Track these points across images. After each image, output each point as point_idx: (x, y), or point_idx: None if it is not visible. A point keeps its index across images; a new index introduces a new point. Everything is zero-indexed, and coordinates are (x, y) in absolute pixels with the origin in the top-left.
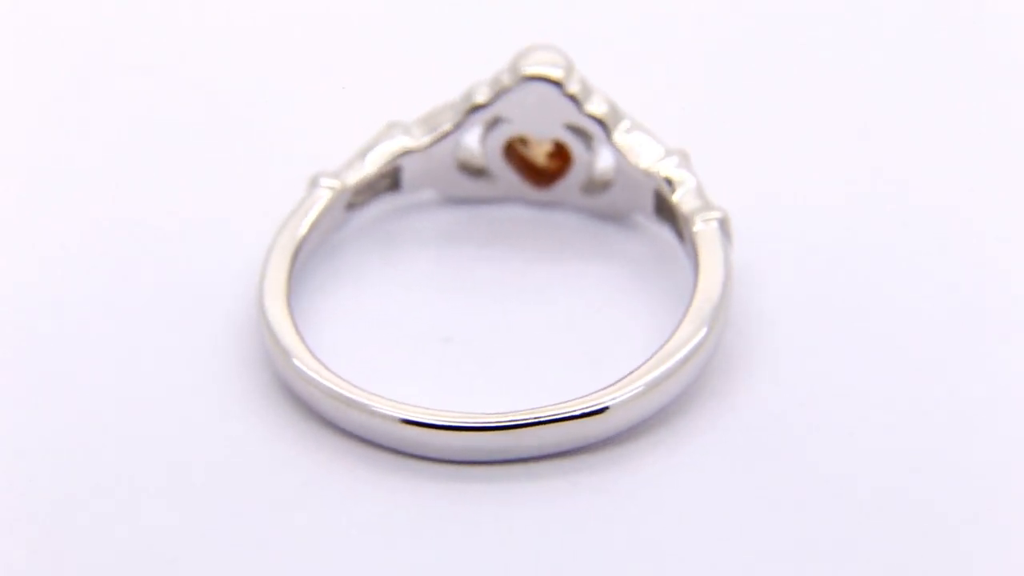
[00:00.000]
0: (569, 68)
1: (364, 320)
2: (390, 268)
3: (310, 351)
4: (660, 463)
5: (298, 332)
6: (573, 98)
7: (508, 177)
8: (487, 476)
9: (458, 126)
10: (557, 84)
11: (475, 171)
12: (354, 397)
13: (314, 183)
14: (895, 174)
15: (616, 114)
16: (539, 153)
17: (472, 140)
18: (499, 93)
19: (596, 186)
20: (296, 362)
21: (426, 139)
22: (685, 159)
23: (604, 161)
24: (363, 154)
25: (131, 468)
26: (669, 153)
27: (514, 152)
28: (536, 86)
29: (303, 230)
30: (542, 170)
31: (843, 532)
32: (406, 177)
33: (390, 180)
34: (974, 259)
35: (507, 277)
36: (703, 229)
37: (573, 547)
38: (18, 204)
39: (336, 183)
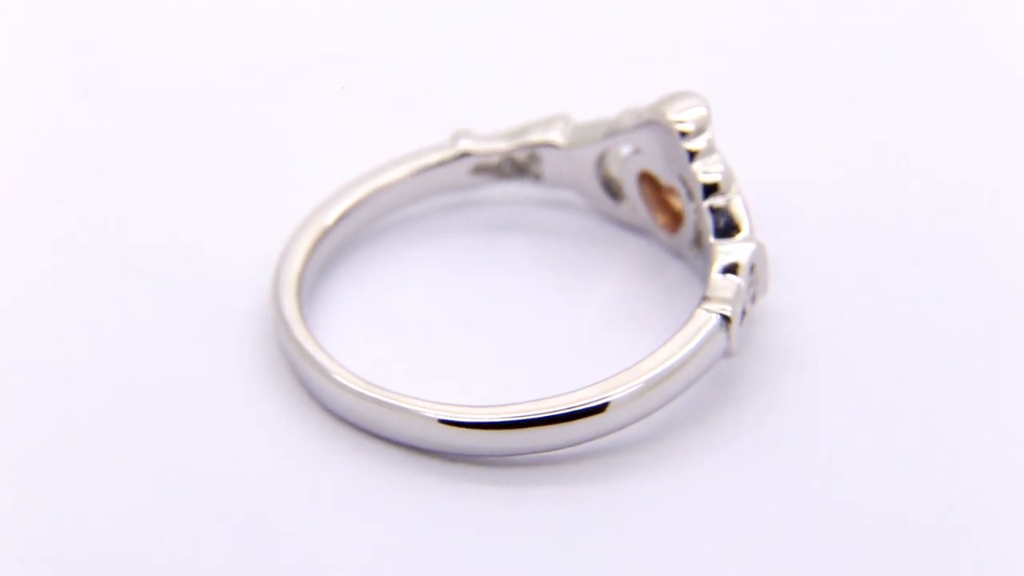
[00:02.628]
0: (701, 124)
1: (376, 306)
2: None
3: (309, 330)
4: (668, 471)
5: (303, 319)
6: (691, 153)
7: (641, 208)
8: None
9: (600, 140)
10: (682, 135)
11: (613, 190)
12: (350, 384)
13: (455, 137)
14: (912, 169)
15: (726, 182)
16: (668, 195)
17: (614, 159)
18: (638, 125)
19: (701, 244)
20: (290, 344)
21: (571, 140)
22: (762, 253)
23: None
24: (514, 132)
25: (150, 468)
26: (748, 240)
27: (646, 186)
28: (662, 130)
29: (329, 220)
30: (665, 212)
31: (850, 539)
32: (546, 170)
33: (529, 166)
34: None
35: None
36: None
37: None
38: (39, 211)
39: (469, 145)
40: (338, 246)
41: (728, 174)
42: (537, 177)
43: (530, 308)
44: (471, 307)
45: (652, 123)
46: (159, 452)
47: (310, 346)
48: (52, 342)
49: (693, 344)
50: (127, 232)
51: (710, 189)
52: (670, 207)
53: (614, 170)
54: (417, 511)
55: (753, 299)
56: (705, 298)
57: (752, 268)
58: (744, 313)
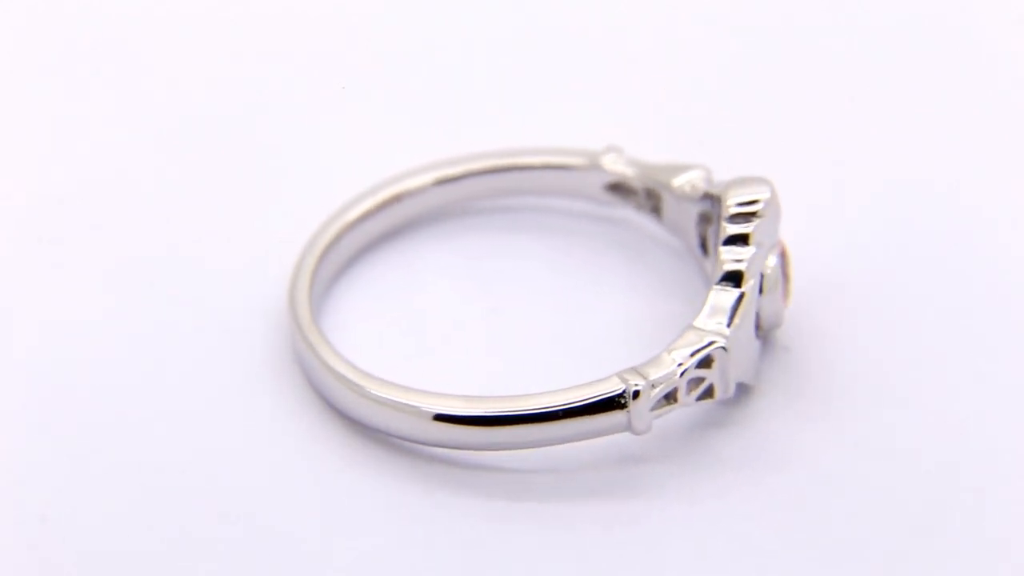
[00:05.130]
0: (760, 210)
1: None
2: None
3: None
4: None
5: (312, 315)
6: (729, 237)
7: None
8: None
9: (698, 200)
10: (728, 217)
11: (707, 249)
12: (349, 376)
13: (605, 150)
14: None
15: (772, 278)
16: None
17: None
18: (710, 195)
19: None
20: (300, 340)
21: (685, 192)
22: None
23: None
24: (652, 166)
25: (165, 473)
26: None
27: None
28: (701, 206)
29: (350, 216)
30: None
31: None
32: (665, 211)
33: (650, 201)
34: None
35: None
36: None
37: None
38: (47, 220)
39: (609, 162)
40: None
41: (752, 269)
42: (659, 215)
43: (547, 307)
44: (486, 304)
45: (714, 198)
46: (163, 449)
47: (315, 339)
48: (64, 347)
49: (586, 401)
50: (138, 236)
51: (729, 276)
52: None
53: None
54: (425, 508)
55: (708, 392)
56: (634, 370)
57: (709, 361)
58: (676, 396)
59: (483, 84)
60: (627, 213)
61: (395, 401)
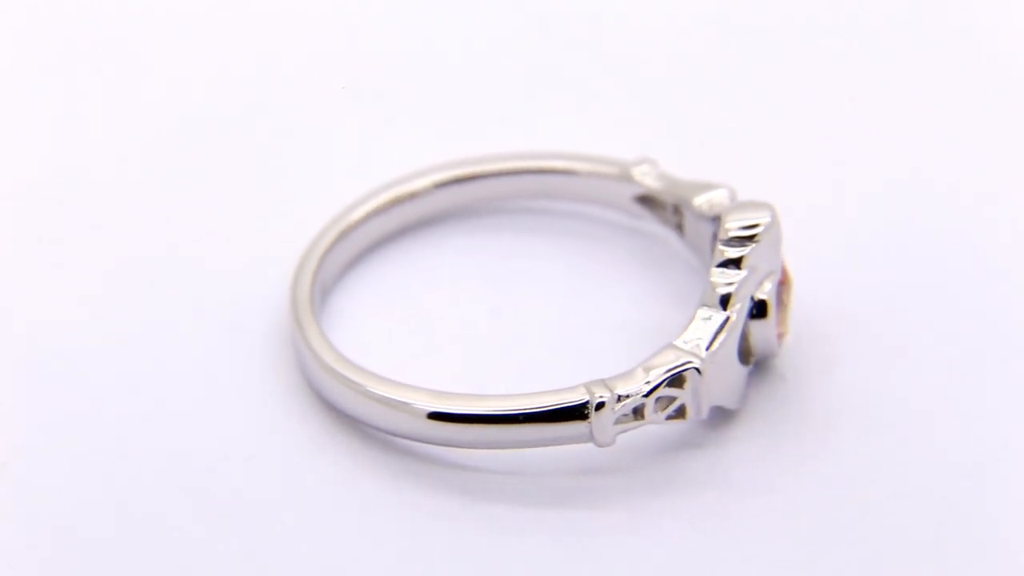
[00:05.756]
0: (758, 235)
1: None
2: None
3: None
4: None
5: (314, 313)
6: (724, 260)
7: None
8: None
9: (708, 219)
10: (722, 239)
11: None
12: (349, 376)
13: (638, 161)
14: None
15: (763, 307)
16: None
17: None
18: (717, 217)
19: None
20: (301, 343)
21: (703, 211)
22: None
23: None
24: (680, 182)
25: (164, 473)
26: (694, 358)
27: None
28: (714, 227)
29: (355, 216)
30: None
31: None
32: (686, 227)
33: (676, 217)
34: None
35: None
36: None
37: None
38: (47, 222)
39: (640, 173)
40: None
41: (741, 293)
42: (682, 231)
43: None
44: (492, 304)
45: (710, 218)
46: (163, 448)
47: (312, 334)
48: (65, 347)
49: (549, 408)
50: (138, 236)
51: (717, 299)
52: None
53: None
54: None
55: (680, 412)
56: (602, 382)
57: (681, 381)
58: (643, 413)
59: (487, 84)
60: (655, 227)
61: (369, 390)
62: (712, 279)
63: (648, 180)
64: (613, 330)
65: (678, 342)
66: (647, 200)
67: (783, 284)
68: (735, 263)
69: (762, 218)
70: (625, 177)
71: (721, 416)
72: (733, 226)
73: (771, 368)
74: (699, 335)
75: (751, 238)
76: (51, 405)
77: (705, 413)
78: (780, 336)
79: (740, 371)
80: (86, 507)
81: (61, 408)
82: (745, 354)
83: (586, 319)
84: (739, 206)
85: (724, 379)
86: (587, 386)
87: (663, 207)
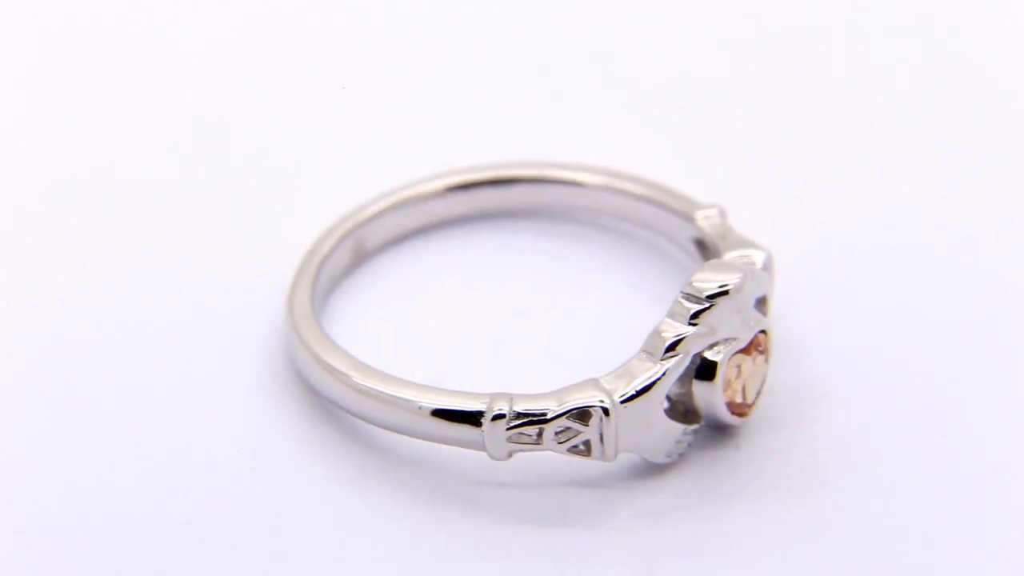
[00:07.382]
0: (716, 296)
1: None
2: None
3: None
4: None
5: (315, 316)
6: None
7: None
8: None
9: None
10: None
11: None
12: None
13: (707, 205)
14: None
15: (710, 369)
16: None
17: None
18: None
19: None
20: (296, 340)
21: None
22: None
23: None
24: (727, 236)
25: (164, 476)
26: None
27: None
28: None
29: (362, 216)
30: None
31: None
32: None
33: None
34: None
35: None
36: None
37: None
38: (49, 225)
39: (702, 218)
40: None
41: (682, 348)
42: None
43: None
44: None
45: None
46: (162, 451)
47: (311, 335)
48: (76, 358)
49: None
50: (138, 241)
51: (653, 347)
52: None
53: None
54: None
55: (585, 448)
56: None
57: (586, 417)
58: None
59: (484, 88)
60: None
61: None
62: (659, 328)
63: (704, 225)
64: (619, 336)
65: (603, 379)
66: (702, 245)
67: (753, 353)
68: (688, 317)
69: (729, 280)
70: (689, 218)
71: (654, 467)
72: (697, 281)
73: (733, 434)
74: (623, 378)
75: (712, 296)
76: (51, 407)
77: (612, 456)
78: (740, 407)
79: (670, 427)
80: (86, 507)
81: (61, 410)
82: (688, 413)
83: (593, 323)
84: (712, 265)
85: (644, 429)
86: (493, 396)
87: (716, 256)
